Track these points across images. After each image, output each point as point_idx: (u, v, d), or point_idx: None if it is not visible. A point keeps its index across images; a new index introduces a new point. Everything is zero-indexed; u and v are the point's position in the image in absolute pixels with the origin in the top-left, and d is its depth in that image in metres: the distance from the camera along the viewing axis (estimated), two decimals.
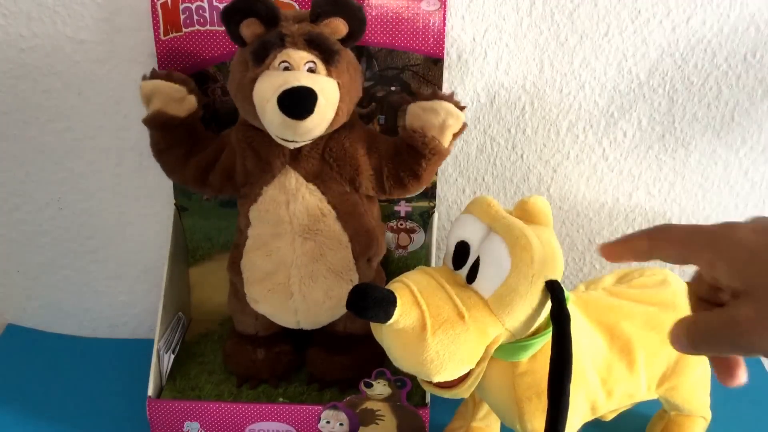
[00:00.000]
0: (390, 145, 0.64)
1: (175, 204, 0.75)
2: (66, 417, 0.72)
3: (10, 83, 0.72)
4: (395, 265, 0.79)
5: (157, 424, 0.67)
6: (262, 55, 0.57)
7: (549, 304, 0.50)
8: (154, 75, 0.63)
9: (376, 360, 0.71)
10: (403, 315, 0.48)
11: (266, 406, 0.66)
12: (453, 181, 0.78)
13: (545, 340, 0.53)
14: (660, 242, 0.46)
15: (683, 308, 0.60)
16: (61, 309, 0.86)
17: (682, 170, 0.77)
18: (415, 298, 0.49)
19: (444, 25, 0.67)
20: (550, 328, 0.51)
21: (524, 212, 0.52)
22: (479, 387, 0.56)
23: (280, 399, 0.70)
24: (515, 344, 0.53)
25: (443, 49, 0.68)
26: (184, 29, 0.67)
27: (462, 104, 0.61)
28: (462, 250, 0.53)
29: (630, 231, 0.80)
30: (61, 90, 0.72)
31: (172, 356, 0.73)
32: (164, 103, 0.63)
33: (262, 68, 0.57)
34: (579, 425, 0.58)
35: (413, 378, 0.65)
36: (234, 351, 0.73)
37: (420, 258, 0.78)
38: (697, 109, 0.74)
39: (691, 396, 0.64)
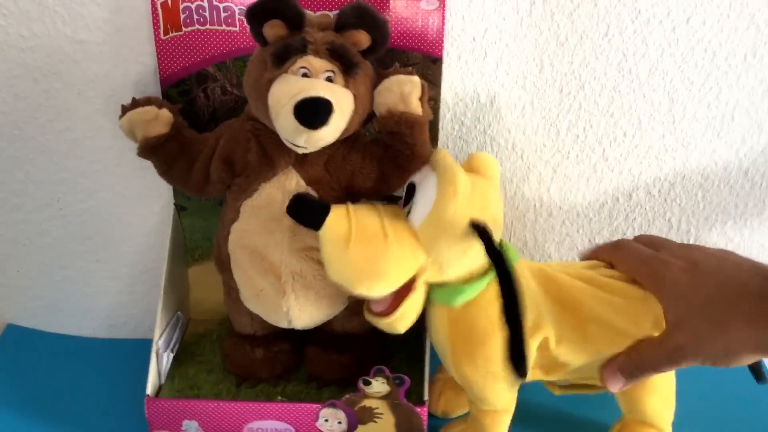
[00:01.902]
0: (379, 145, 0.64)
1: (174, 203, 0.75)
2: (66, 417, 0.72)
3: (10, 83, 0.72)
4: None
5: (156, 422, 0.67)
6: (283, 58, 0.57)
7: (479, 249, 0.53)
8: (123, 112, 0.64)
9: (375, 358, 0.71)
10: (332, 225, 0.55)
11: (264, 404, 0.66)
12: None
13: (478, 289, 0.57)
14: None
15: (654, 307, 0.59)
16: (61, 309, 0.86)
17: (682, 170, 0.77)
18: (348, 215, 0.56)
19: (443, 24, 0.67)
20: (485, 279, 0.56)
21: (471, 165, 0.59)
22: (429, 333, 0.61)
23: (279, 398, 0.70)
24: (449, 288, 0.56)
25: (442, 48, 0.68)
26: (184, 29, 0.67)
27: (408, 69, 0.61)
28: (410, 191, 0.59)
29: (630, 231, 0.81)
30: (61, 90, 0.72)
31: (171, 355, 0.73)
32: (144, 129, 0.64)
33: (280, 71, 0.57)
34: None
35: (411, 376, 0.66)
36: (232, 350, 0.73)
37: None
38: (697, 109, 0.74)
39: (647, 399, 0.64)
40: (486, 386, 0.59)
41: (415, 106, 0.60)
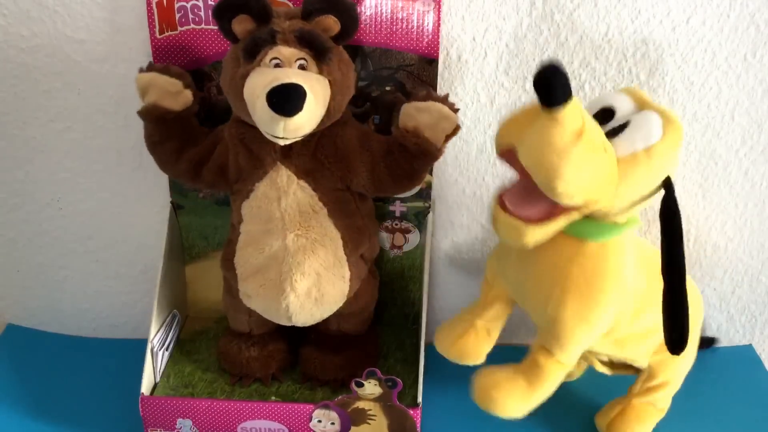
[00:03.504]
0: (383, 143, 0.64)
1: (171, 201, 0.75)
2: (66, 416, 0.73)
3: (10, 83, 0.72)
4: (390, 265, 0.79)
5: (150, 420, 0.67)
6: (253, 51, 0.57)
7: (650, 201, 0.54)
8: (150, 68, 0.63)
9: (369, 360, 0.71)
10: (570, 113, 0.48)
11: (258, 404, 0.66)
12: (453, 181, 0.78)
13: (629, 232, 0.56)
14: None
15: (693, 294, 0.64)
16: (61, 309, 0.86)
17: (682, 170, 0.77)
18: (581, 113, 0.50)
19: (439, 25, 0.67)
20: (633, 225, 0.56)
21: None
22: (523, 264, 0.58)
23: (273, 397, 0.70)
24: (604, 224, 0.55)
25: (438, 49, 0.68)
26: (179, 28, 0.67)
27: (456, 107, 0.61)
28: (604, 114, 0.55)
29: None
30: (61, 90, 0.73)
31: (166, 354, 0.73)
32: (160, 96, 0.63)
33: (253, 65, 0.57)
34: (592, 339, 0.59)
35: (406, 377, 0.66)
36: (228, 349, 0.73)
37: (415, 258, 0.78)
38: (697, 109, 0.74)
39: (671, 378, 0.68)
40: (575, 334, 0.57)
41: (439, 140, 0.61)
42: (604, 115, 0.55)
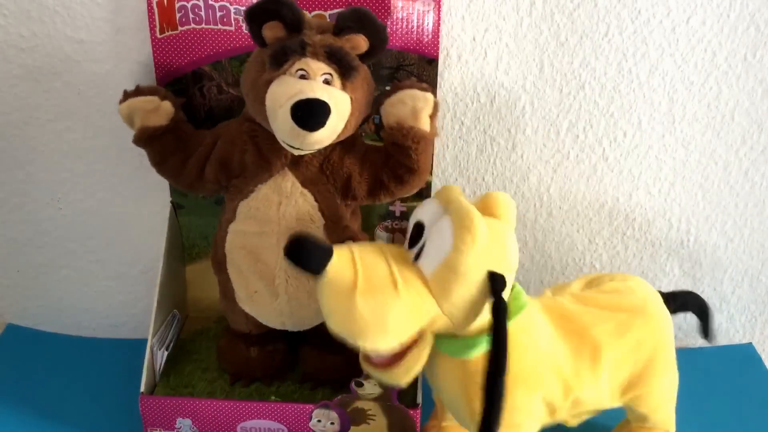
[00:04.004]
0: (381, 153, 0.64)
1: (171, 201, 0.75)
2: (65, 416, 0.72)
3: (10, 83, 0.72)
4: None
5: (150, 420, 0.67)
6: (281, 59, 0.57)
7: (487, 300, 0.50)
8: (124, 96, 0.64)
9: None
10: (335, 271, 0.48)
11: (258, 404, 0.66)
12: (453, 181, 0.78)
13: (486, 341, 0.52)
14: None
15: (654, 314, 0.61)
16: (61, 309, 0.86)
17: (682, 170, 0.77)
18: (353, 260, 0.50)
19: (439, 25, 0.67)
20: (486, 332, 0.50)
21: (485, 205, 0.53)
22: (435, 383, 0.56)
23: (273, 397, 0.70)
24: (461, 340, 0.53)
25: (438, 49, 0.68)
26: (179, 27, 0.67)
27: (424, 86, 0.61)
28: (417, 231, 0.53)
29: (630, 231, 0.81)
30: (61, 90, 0.73)
31: (166, 353, 0.73)
32: (143, 118, 0.63)
33: (279, 72, 0.57)
34: (536, 428, 0.58)
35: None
36: (228, 349, 0.73)
37: None
38: (697, 109, 0.74)
39: (656, 406, 0.63)
40: None
41: (425, 123, 0.61)
42: (417, 231, 0.53)
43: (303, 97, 0.55)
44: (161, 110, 0.64)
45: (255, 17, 0.58)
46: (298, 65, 0.57)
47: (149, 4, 0.66)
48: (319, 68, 0.57)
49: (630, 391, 0.60)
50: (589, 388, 0.58)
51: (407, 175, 0.63)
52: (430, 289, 0.50)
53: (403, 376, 0.52)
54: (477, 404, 0.51)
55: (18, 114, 0.74)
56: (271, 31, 0.58)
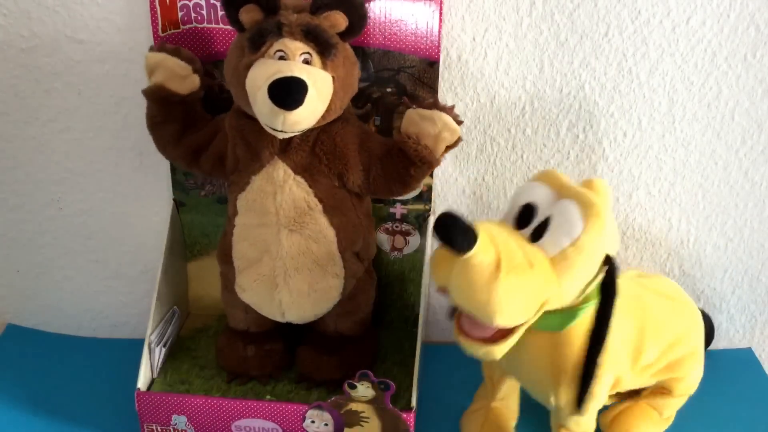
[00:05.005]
0: (382, 145, 0.64)
1: (173, 198, 0.75)
2: (65, 416, 0.72)
3: (10, 83, 0.72)
4: (390, 267, 0.79)
5: (146, 416, 0.67)
6: (258, 42, 0.57)
7: (598, 279, 0.53)
8: (161, 48, 0.63)
9: (365, 361, 0.71)
10: (481, 251, 0.49)
11: (252, 402, 0.66)
12: (453, 181, 0.78)
13: (587, 313, 0.55)
14: None
15: (692, 305, 0.67)
16: (61, 309, 0.86)
17: (682, 170, 0.77)
18: (492, 239, 0.50)
19: (440, 27, 0.67)
20: (591, 302, 0.54)
21: (589, 189, 0.55)
22: (510, 360, 0.57)
23: (267, 396, 0.70)
24: (562, 314, 0.55)
25: (439, 51, 0.68)
26: (182, 26, 0.67)
27: (460, 119, 0.61)
28: (526, 212, 0.54)
29: (630, 231, 0.81)
30: (61, 90, 0.73)
31: (164, 350, 0.73)
32: (167, 77, 0.63)
33: (257, 55, 0.57)
34: (605, 398, 0.60)
35: (402, 380, 0.66)
36: (225, 347, 0.73)
37: (415, 261, 0.78)
38: (697, 109, 0.74)
39: (685, 389, 0.68)
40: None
41: (439, 150, 0.61)
42: (526, 212, 0.55)
43: (280, 76, 0.54)
44: (188, 81, 0.64)
45: (231, 2, 0.58)
46: (276, 46, 0.57)
47: (152, 3, 0.66)
48: (297, 48, 0.57)
49: (668, 373, 0.65)
50: (649, 366, 0.63)
51: (396, 183, 0.63)
52: (554, 268, 0.52)
53: (502, 352, 0.54)
54: (563, 376, 0.56)
55: (18, 114, 0.74)
56: (248, 14, 0.58)
